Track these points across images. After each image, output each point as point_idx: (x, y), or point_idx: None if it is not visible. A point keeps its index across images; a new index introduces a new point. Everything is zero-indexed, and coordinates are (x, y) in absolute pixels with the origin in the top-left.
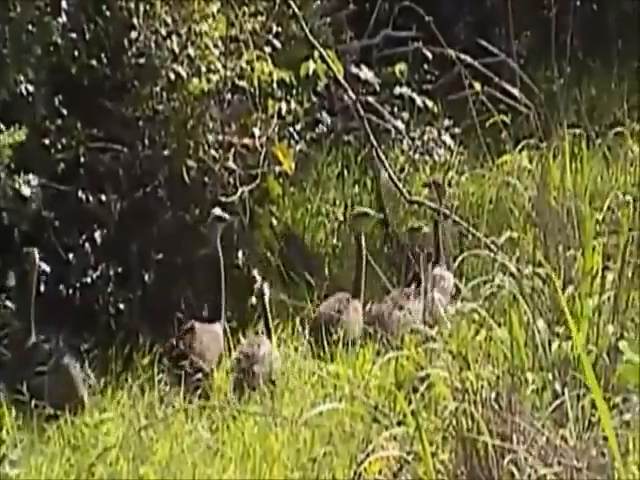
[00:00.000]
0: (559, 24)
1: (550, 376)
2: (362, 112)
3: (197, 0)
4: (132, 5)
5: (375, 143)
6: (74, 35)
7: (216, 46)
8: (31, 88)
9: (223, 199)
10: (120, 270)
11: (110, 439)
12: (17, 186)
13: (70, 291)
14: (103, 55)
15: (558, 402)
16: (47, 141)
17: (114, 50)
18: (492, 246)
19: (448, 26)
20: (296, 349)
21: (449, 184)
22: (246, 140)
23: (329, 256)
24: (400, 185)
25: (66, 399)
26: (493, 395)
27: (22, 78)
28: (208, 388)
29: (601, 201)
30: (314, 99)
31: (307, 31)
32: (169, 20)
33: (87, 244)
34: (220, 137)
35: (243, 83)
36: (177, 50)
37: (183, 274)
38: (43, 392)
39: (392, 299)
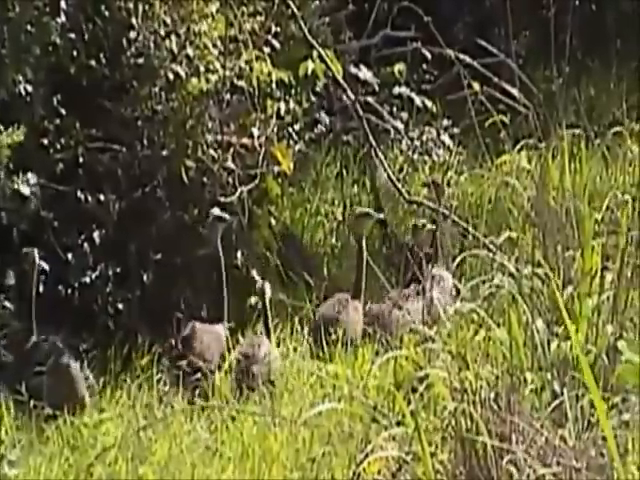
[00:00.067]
0: (558, 24)
1: (549, 376)
2: (361, 112)
3: (196, 0)
4: (131, 5)
5: (374, 143)
6: (73, 35)
7: (215, 46)
8: (30, 88)
9: (222, 199)
10: (119, 270)
11: (109, 439)
12: (16, 186)
13: (69, 291)
14: (102, 55)
15: (557, 402)
16: (46, 141)
17: (113, 50)
18: (491, 246)
19: (447, 26)
20: (295, 349)
21: (448, 184)
22: (245, 140)
23: (328, 256)
24: (399, 185)
25: (66, 399)
26: (492, 395)
27: (21, 78)
28: (207, 388)
29: (600, 201)
30: (313, 99)
31: (306, 31)
32: (168, 20)
33: (86, 244)
34: (219, 137)
35: (242, 83)
36: (176, 50)
37: (182, 274)
38: (42, 392)
39: (391, 299)
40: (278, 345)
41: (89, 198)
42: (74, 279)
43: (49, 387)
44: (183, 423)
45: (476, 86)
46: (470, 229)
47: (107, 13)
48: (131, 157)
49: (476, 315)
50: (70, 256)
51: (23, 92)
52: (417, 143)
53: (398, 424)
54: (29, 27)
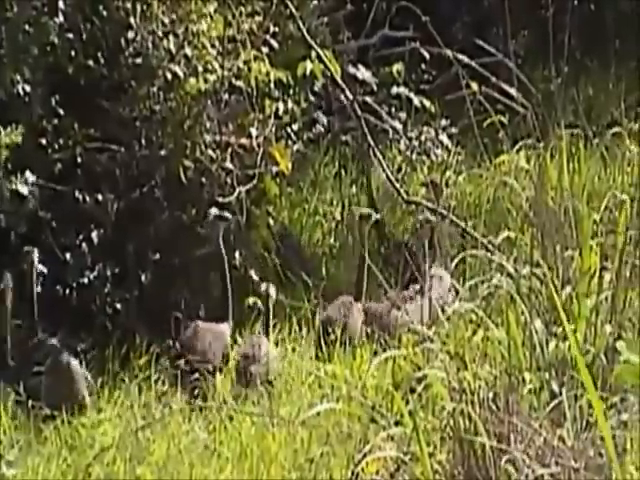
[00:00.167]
0: (556, 24)
1: (547, 376)
2: (359, 112)
3: (194, 0)
4: (129, 5)
5: (372, 143)
6: (71, 35)
7: (213, 46)
8: (28, 88)
9: (220, 199)
10: (117, 270)
11: (107, 439)
12: (14, 186)
13: (67, 291)
14: (100, 55)
15: (555, 402)
16: (44, 141)
17: (111, 50)
18: (489, 246)
19: (445, 26)
20: (293, 349)
21: (446, 184)
22: (243, 140)
23: (326, 256)
24: (397, 185)
25: (66, 399)
26: (490, 395)
27: (19, 78)
28: (206, 388)
29: (599, 201)
30: (311, 99)
31: (304, 31)
32: (166, 20)
33: (84, 244)
34: (217, 137)
35: (240, 83)
36: (174, 50)
37: (180, 274)
38: (40, 392)
39: (390, 299)
40: (277, 345)
41: (87, 198)
42: (72, 279)
43: (47, 387)
44: (181, 423)
45: (474, 86)
46: (468, 229)
47: (105, 13)
48: (129, 157)
49: (474, 315)
50: (68, 256)
51: (21, 92)
52: (415, 143)
53: (396, 424)
54: (27, 27)
